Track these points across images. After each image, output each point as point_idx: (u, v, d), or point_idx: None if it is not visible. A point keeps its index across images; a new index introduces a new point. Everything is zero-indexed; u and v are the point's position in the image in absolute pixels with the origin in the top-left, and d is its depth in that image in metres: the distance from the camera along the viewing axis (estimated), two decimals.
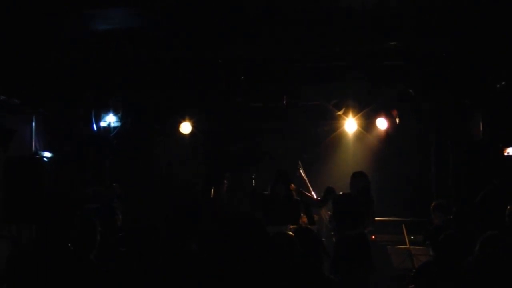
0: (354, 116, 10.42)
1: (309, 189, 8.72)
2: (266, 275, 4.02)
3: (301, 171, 9.01)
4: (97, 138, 10.11)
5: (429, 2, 6.73)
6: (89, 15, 6.97)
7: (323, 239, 7.83)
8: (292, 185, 8.09)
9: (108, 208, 6.99)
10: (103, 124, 10.24)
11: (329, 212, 8.38)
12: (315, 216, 8.74)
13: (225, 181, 9.53)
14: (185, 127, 10.71)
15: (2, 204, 7.40)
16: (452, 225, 6.31)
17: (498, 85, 8.66)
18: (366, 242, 7.39)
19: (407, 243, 7.83)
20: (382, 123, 10.40)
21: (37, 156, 8.39)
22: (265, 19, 7.01)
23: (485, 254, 4.58)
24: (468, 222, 6.16)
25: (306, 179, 8.90)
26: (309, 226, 7.20)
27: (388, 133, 10.51)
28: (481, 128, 9.19)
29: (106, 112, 10.23)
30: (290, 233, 4.39)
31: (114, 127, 10.32)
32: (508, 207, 5.90)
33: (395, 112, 10.34)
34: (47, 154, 8.72)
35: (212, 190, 9.10)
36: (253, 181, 9.08)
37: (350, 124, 10.57)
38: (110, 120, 10.29)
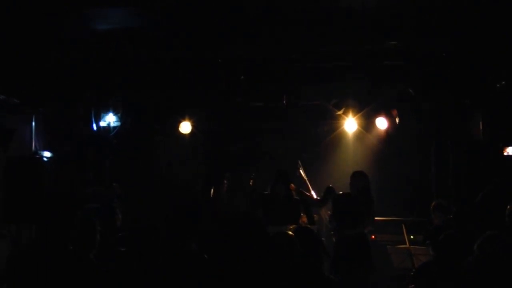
0: (354, 115, 10.42)
1: (309, 189, 8.73)
2: (266, 275, 4.02)
3: (301, 171, 9.02)
4: (97, 138, 10.10)
5: (429, 2, 6.73)
6: (89, 15, 6.97)
7: (323, 239, 7.83)
8: (292, 185, 8.10)
9: (108, 208, 6.98)
10: (103, 124, 10.23)
11: (329, 212, 8.37)
12: (315, 216, 8.74)
13: (225, 181, 9.53)
14: (185, 127, 10.72)
15: (2, 204, 7.40)
16: (452, 225, 6.31)
17: (498, 85, 8.66)
18: (366, 242, 7.38)
19: (407, 243, 7.83)
20: (382, 123, 10.40)
21: (37, 156, 8.39)
22: (265, 19, 7.01)
23: (484, 254, 4.57)
24: (468, 222, 6.15)
25: (306, 179, 8.90)
26: (309, 226, 7.20)
27: (388, 133, 10.51)
28: (481, 128, 9.19)
29: (106, 111, 10.23)
30: (290, 233, 4.39)
31: (114, 127, 10.31)
32: (508, 207, 5.90)
33: (395, 112, 10.34)
34: (47, 154, 8.71)
35: (212, 190, 9.10)
36: (251, 181, 9.08)
37: (350, 124, 10.57)
38: (110, 120, 10.29)
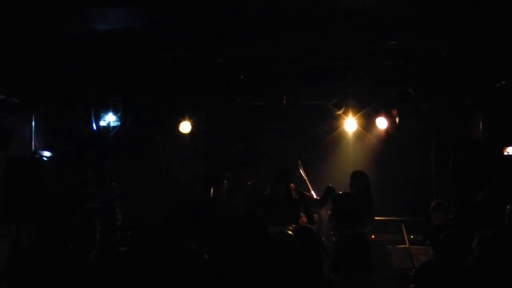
0: (354, 115, 10.43)
1: (309, 188, 8.72)
2: (266, 275, 4.02)
3: (301, 170, 9.01)
4: (97, 138, 10.10)
5: (429, 2, 6.72)
6: (89, 15, 6.97)
7: (323, 239, 7.83)
8: (292, 184, 8.09)
9: (108, 208, 6.98)
10: (102, 123, 10.23)
11: (329, 212, 8.37)
12: (315, 215, 8.74)
13: (225, 181, 9.53)
14: (185, 127, 10.72)
15: (2, 204, 7.40)
16: (452, 225, 6.31)
17: (498, 85, 8.66)
18: (366, 242, 7.39)
19: (407, 243, 7.83)
20: (382, 123, 10.40)
21: (37, 156, 8.39)
22: (265, 19, 7.01)
23: (484, 253, 4.58)
24: (468, 222, 6.15)
25: (306, 178, 8.90)
26: (309, 225, 7.20)
27: (388, 132, 10.51)
28: (481, 128, 9.19)
29: (106, 111, 10.23)
30: (290, 232, 4.39)
31: (114, 127, 10.32)
32: (508, 206, 5.90)
33: (395, 112, 10.34)
34: (47, 154, 8.71)
35: (212, 190, 9.10)
36: (250, 181, 9.10)
37: (350, 124, 10.57)
38: (110, 119, 10.29)
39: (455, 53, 8.26)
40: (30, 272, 3.80)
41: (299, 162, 9.11)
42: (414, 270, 6.62)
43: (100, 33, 7.45)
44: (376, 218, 7.98)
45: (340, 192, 7.86)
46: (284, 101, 10.09)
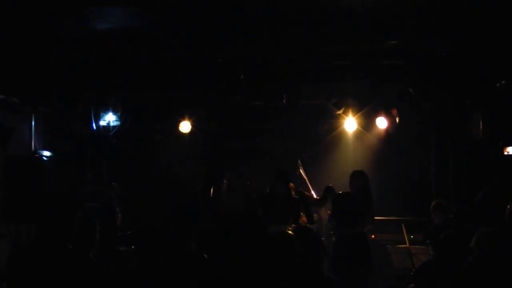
0: (354, 115, 10.42)
1: (309, 188, 8.73)
2: (266, 275, 4.02)
3: (300, 170, 9.02)
4: (96, 138, 10.10)
5: (429, 2, 6.72)
6: (89, 14, 6.96)
7: (323, 239, 7.83)
8: (291, 184, 8.09)
9: (108, 207, 6.98)
10: (102, 123, 10.23)
11: (328, 211, 8.37)
12: (314, 215, 8.74)
13: (225, 181, 9.53)
14: (185, 127, 10.72)
15: (2, 203, 7.40)
16: (452, 225, 6.31)
17: (498, 85, 8.65)
18: (366, 241, 7.38)
19: (407, 243, 7.83)
20: (382, 123, 10.40)
21: (37, 155, 8.39)
22: (265, 19, 7.00)
23: (483, 252, 4.57)
24: (468, 222, 6.15)
25: (305, 178, 8.90)
26: (308, 225, 7.20)
27: (388, 132, 10.50)
28: (481, 128, 9.19)
29: (106, 111, 10.23)
30: (290, 232, 4.39)
31: (114, 126, 10.32)
32: (508, 206, 5.90)
33: (395, 112, 10.34)
34: (47, 153, 8.71)
35: (212, 190, 9.10)
36: (248, 183, 9.12)
37: (350, 123, 10.56)
38: (110, 119, 10.29)
39: (455, 53, 8.26)
40: (30, 272, 3.80)
41: (299, 162, 9.11)
42: (414, 269, 6.62)
43: (100, 33, 7.45)
44: (376, 217, 7.98)
45: (340, 192, 7.85)
46: (284, 101, 10.09)
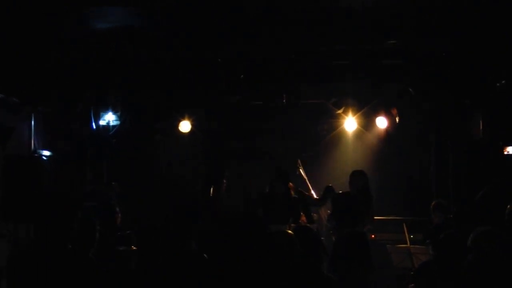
0: (354, 115, 10.42)
1: (309, 188, 8.73)
2: (266, 275, 4.02)
3: (300, 170, 9.01)
4: (96, 137, 10.10)
5: (429, 2, 6.72)
6: (89, 14, 6.96)
7: (323, 238, 7.84)
8: (290, 183, 8.09)
9: (108, 207, 6.98)
10: (102, 123, 10.23)
11: (328, 211, 8.38)
12: (314, 215, 8.74)
13: (225, 181, 9.53)
14: (185, 126, 10.71)
15: (1, 203, 7.40)
16: (452, 225, 6.31)
17: (498, 85, 8.66)
18: (365, 241, 7.38)
19: (408, 242, 7.83)
20: (382, 122, 10.40)
21: (36, 155, 8.39)
22: (265, 19, 7.00)
23: (482, 251, 4.57)
24: (468, 222, 6.15)
25: (305, 178, 8.90)
26: (308, 225, 7.20)
27: (388, 132, 10.50)
28: (481, 128, 9.19)
29: (105, 111, 10.22)
30: (290, 232, 4.39)
31: (113, 126, 10.32)
32: (508, 206, 5.90)
33: (395, 111, 10.34)
34: (46, 153, 8.71)
35: (212, 190, 9.11)
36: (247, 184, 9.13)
37: (350, 123, 10.56)
38: (109, 119, 10.29)
39: (455, 53, 8.26)
40: (30, 272, 3.80)
41: (299, 162, 9.11)
42: (414, 269, 6.61)
43: (100, 33, 7.45)
44: (376, 217, 7.99)
45: (340, 192, 7.86)
46: (284, 101, 10.09)
